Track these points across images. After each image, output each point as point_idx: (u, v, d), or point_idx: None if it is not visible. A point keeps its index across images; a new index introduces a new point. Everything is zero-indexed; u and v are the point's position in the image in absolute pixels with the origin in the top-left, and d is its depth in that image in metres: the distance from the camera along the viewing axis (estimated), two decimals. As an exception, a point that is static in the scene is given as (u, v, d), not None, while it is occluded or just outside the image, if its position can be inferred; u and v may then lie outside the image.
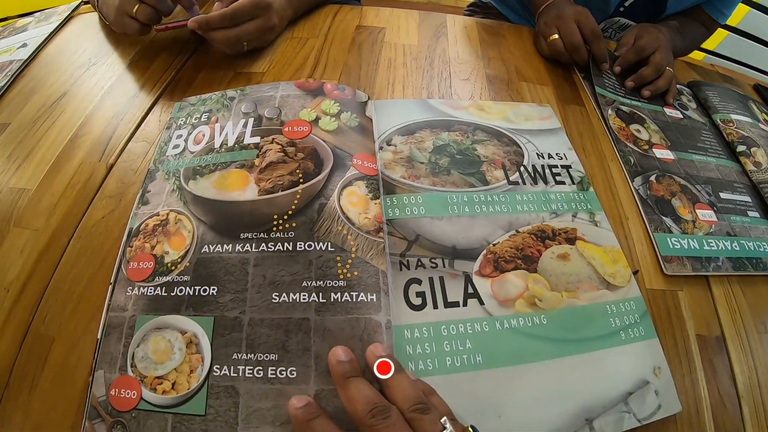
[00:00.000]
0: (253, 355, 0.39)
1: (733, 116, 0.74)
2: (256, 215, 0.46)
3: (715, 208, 0.58)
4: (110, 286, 0.43)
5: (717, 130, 0.72)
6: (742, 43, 1.26)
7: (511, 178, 0.54)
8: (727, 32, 1.26)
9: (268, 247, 0.44)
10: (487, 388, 0.39)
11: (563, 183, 0.56)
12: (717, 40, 1.27)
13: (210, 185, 0.49)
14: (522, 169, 0.56)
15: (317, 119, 0.55)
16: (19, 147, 0.56)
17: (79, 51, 0.71)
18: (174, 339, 0.40)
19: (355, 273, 0.43)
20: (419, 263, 0.46)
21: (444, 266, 0.46)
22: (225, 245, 0.44)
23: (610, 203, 0.55)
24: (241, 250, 0.44)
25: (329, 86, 0.59)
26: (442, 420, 0.32)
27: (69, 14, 0.79)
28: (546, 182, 0.55)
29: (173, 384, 0.38)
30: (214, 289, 0.42)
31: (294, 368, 0.38)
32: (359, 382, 0.35)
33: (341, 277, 0.42)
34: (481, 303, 0.44)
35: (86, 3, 0.81)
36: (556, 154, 0.59)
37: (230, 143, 0.53)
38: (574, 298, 0.45)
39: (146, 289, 0.42)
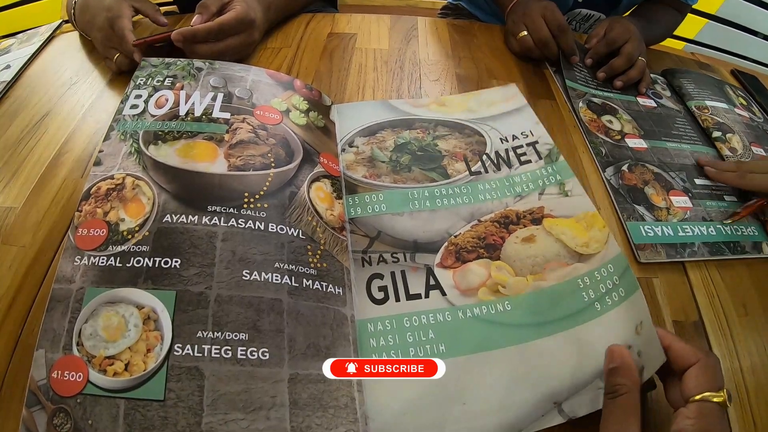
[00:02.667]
0: (220, 333, 0.36)
1: (708, 102, 0.75)
2: (226, 189, 0.45)
3: (690, 194, 0.58)
4: (53, 254, 0.43)
5: (692, 117, 0.74)
6: (722, 30, 1.27)
7: (473, 169, 0.55)
8: (707, 20, 1.26)
9: (238, 223, 0.42)
10: (451, 376, 0.39)
11: (529, 162, 0.56)
12: (696, 28, 1.28)
13: (174, 153, 0.47)
14: (484, 157, 0.56)
15: (288, 111, 0.55)
16: (5, 167, 0.57)
17: (61, 70, 0.73)
18: (129, 314, 0.36)
19: (324, 264, 0.43)
20: (381, 258, 0.47)
21: (405, 260, 0.47)
22: (190, 216, 0.42)
23: (582, 195, 0.56)
24: (208, 222, 0.42)
25: (299, 83, 0.60)
26: None
27: (50, 34, 0.81)
28: (510, 166, 0.56)
29: (126, 365, 0.34)
30: (177, 262, 0.39)
31: (266, 349, 0.36)
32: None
33: (312, 265, 0.42)
34: (443, 294, 0.44)
35: (67, 22, 0.83)
36: (521, 133, 0.60)
37: (197, 113, 0.51)
38: (541, 280, 0.45)
39: (97, 258, 0.39)
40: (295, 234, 0.43)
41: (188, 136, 0.49)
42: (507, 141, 0.59)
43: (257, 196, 0.45)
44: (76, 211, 0.43)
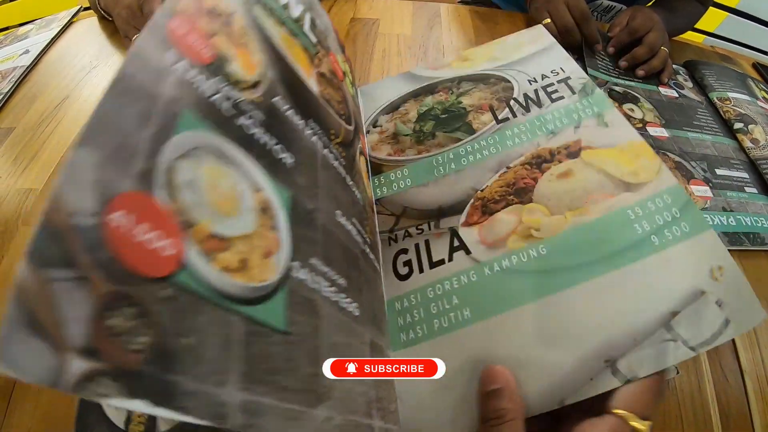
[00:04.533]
0: (329, 269, 0.29)
1: (730, 94, 0.76)
2: (320, 113, 0.38)
3: (710, 184, 0.60)
4: None
5: (714, 108, 0.75)
6: (742, 23, 1.28)
7: (499, 117, 0.50)
8: (727, 14, 1.27)
9: (328, 157, 0.36)
10: (478, 343, 0.34)
11: (561, 98, 0.49)
12: (716, 21, 1.28)
13: (278, 35, 0.36)
14: (512, 102, 0.52)
15: (345, 74, 0.50)
16: (24, 150, 0.60)
17: (80, 55, 0.75)
18: (243, 187, 0.24)
19: (372, 238, 0.40)
20: (406, 234, 0.44)
21: (430, 229, 0.43)
22: (296, 115, 0.33)
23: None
24: (310, 136, 0.34)
25: None
26: None
27: (69, 20, 0.83)
28: (540, 105, 0.50)
29: (243, 263, 0.22)
30: (291, 158, 0.30)
31: (357, 305, 0.31)
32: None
33: (366, 235, 0.38)
34: (468, 253, 0.40)
35: (87, 9, 0.86)
36: (551, 71, 0.54)
37: (294, 13, 0.40)
38: (583, 215, 0.38)
39: (201, 80, 0.25)
40: (359, 197, 0.39)
41: (288, 29, 0.38)
42: (536, 81, 0.53)
43: (338, 140, 0.39)
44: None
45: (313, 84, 0.38)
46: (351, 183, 0.38)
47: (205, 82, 0.25)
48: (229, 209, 0.23)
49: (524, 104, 0.50)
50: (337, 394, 0.24)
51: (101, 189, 0.17)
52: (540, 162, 0.44)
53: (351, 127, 0.44)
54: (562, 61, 0.53)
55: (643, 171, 0.39)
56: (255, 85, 0.30)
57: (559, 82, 0.51)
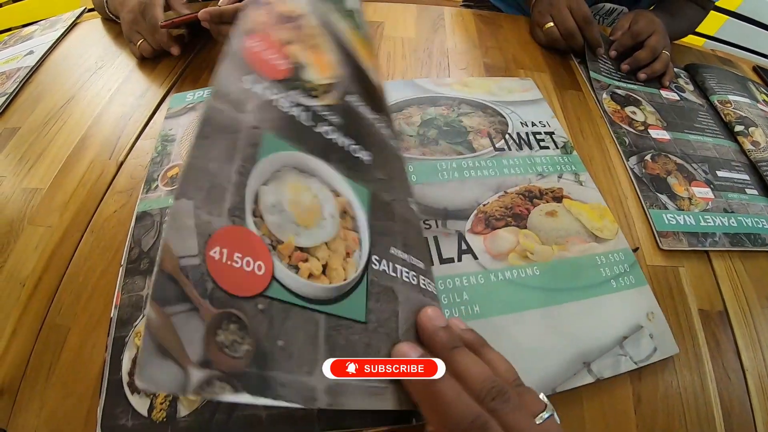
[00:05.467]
0: (407, 256, 0.32)
1: (731, 97, 0.77)
2: (381, 99, 0.41)
3: (711, 185, 0.60)
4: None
5: (714, 111, 0.75)
6: (742, 27, 1.28)
7: (497, 145, 0.59)
8: (727, 17, 1.27)
9: (394, 143, 0.40)
10: (485, 336, 0.38)
11: (547, 148, 0.60)
12: (717, 25, 1.29)
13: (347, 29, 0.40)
14: (507, 136, 0.60)
15: None
16: (30, 149, 0.60)
17: (85, 56, 0.75)
18: (324, 198, 0.28)
19: None
20: None
21: (437, 226, 0.49)
22: (369, 110, 0.36)
23: (609, 184, 0.58)
24: (382, 127, 0.37)
25: None
26: (541, 395, 0.30)
27: (74, 21, 0.83)
28: (531, 147, 0.59)
29: (325, 268, 0.26)
30: (368, 156, 0.32)
31: (433, 285, 0.34)
32: (468, 355, 0.30)
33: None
34: (475, 258, 0.47)
35: (91, 10, 0.86)
36: (539, 122, 0.63)
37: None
38: (564, 250, 0.49)
39: (279, 97, 0.28)
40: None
41: (351, 23, 0.40)
42: (527, 126, 0.63)
43: (393, 128, 0.41)
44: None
45: (373, 75, 0.41)
46: (409, 169, 0.39)
47: (285, 97, 0.28)
48: (311, 221, 0.27)
49: (517, 142, 0.60)
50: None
51: (200, 231, 0.21)
52: (532, 196, 0.53)
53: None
54: (548, 118, 0.63)
55: (607, 230, 0.51)
56: (330, 87, 0.33)
57: (546, 133, 0.61)
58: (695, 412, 0.41)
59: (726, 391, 0.43)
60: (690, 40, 1.01)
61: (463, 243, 0.48)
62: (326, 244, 0.27)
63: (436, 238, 0.48)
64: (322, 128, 0.30)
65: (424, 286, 0.32)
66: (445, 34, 0.82)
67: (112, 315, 0.42)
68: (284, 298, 0.24)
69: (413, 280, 0.31)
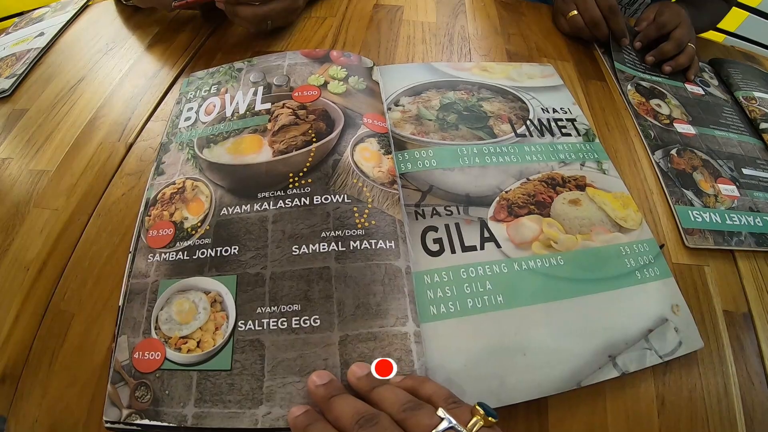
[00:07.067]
0: (276, 307, 0.41)
1: (756, 94, 0.75)
2: (272, 175, 0.49)
3: (737, 183, 0.59)
4: (130, 255, 0.45)
5: (739, 107, 0.74)
6: (763, 24, 1.27)
7: (518, 131, 0.58)
8: (748, 13, 1.26)
9: (285, 204, 0.46)
10: (510, 327, 0.41)
11: (569, 135, 0.59)
12: (737, 21, 1.28)
13: (224, 152, 0.52)
14: (528, 122, 0.59)
15: (325, 84, 0.58)
16: (38, 131, 0.59)
17: (96, 37, 0.75)
18: (198, 299, 0.42)
19: (373, 222, 0.45)
20: (434, 212, 0.48)
21: (459, 213, 0.49)
22: (243, 206, 0.47)
23: (634, 178, 0.57)
24: (259, 209, 0.46)
25: (335, 53, 0.63)
26: (438, 412, 0.31)
27: (85, 3, 0.83)
28: (552, 134, 0.58)
29: (198, 342, 0.40)
30: (235, 249, 0.44)
31: (317, 316, 0.40)
32: (343, 398, 0.34)
33: (359, 226, 0.45)
34: (498, 246, 0.46)
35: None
36: (561, 108, 0.62)
37: (241, 111, 0.56)
38: (588, 240, 0.48)
39: (167, 254, 0.45)
40: (339, 200, 0.47)
41: (236, 133, 0.54)
42: (548, 112, 0.62)
43: (301, 174, 0.49)
44: (146, 216, 0.48)
45: (264, 154, 0.51)
46: (320, 200, 0.46)
47: (172, 250, 0.45)
48: (189, 318, 0.41)
49: (539, 128, 0.59)
50: (278, 396, 0.37)
51: (130, 347, 0.40)
52: (554, 184, 0.53)
53: (331, 136, 0.52)
54: (569, 104, 0.62)
55: (631, 220, 0.51)
56: (204, 219, 0.47)
57: (567, 120, 0.60)
58: (718, 417, 0.40)
59: (749, 396, 0.42)
60: (710, 35, 1.00)
61: (485, 230, 0.47)
62: (200, 328, 0.40)
63: (457, 225, 0.47)
64: (198, 254, 0.44)
65: (297, 325, 0.40)
66: (466, 19, 0.80)
67: (120, 303, 0.42)
68: (171, 367, 0.39)
69: (282, 325, 0.40)
